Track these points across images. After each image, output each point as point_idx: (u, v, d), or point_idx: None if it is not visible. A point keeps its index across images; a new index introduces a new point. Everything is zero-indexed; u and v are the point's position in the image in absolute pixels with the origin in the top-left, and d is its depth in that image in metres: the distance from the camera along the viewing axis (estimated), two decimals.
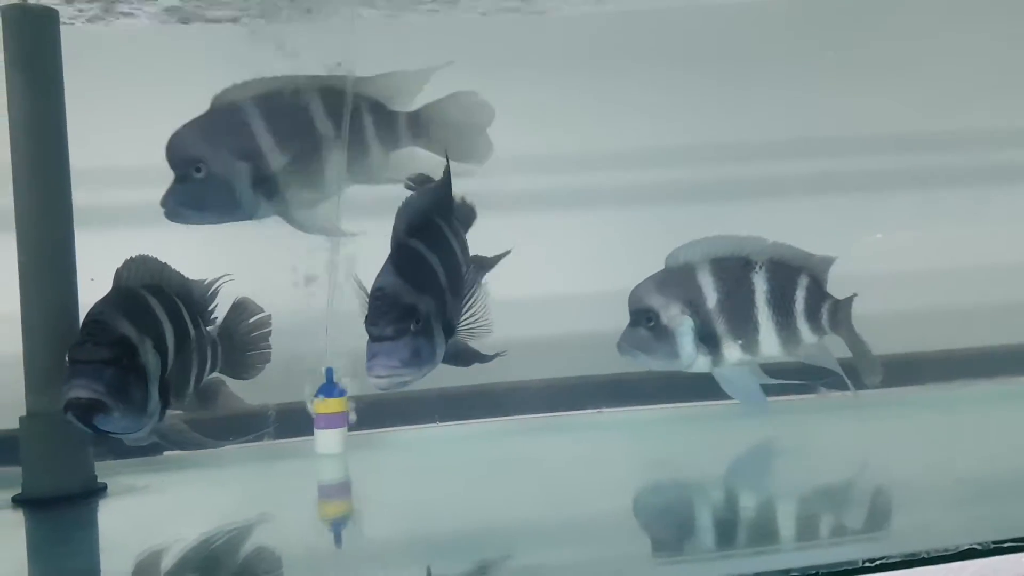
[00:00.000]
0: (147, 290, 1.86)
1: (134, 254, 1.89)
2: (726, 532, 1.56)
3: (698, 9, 2.60)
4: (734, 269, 2.13)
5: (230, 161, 1.89)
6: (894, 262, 2.61)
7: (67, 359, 1.71)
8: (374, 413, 2.24)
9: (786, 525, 1.57)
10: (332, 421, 2.18)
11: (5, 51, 1.94)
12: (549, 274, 2.40)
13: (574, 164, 2.60)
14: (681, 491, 1.89)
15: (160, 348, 1.81)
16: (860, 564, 1.18)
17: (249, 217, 1.94)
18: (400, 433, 2.34)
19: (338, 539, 1.71)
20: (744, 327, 2.12)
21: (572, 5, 2.48)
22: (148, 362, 1.77)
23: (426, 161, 2.03)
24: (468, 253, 1.95)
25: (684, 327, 2.09)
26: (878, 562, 1.16)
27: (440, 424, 2.35)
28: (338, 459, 2.17)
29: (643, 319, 2.11)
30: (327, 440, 2.19)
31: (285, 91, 1.95)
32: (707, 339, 2.10)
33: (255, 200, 1.92)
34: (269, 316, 2.05)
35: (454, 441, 2.33)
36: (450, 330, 1.76)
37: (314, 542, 1.68)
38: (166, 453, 2.13)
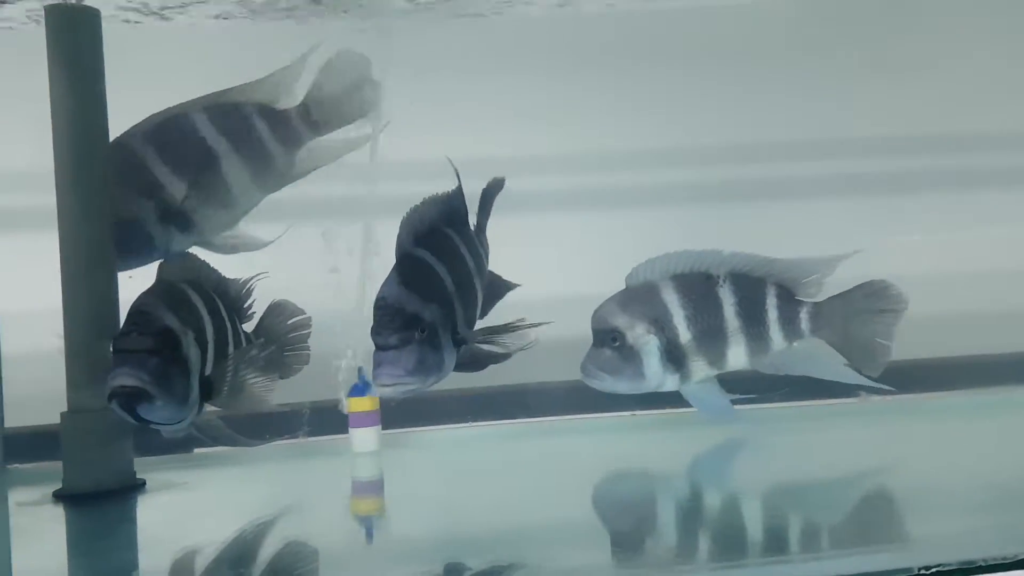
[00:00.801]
0: (188, 285, 1.88)
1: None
2: (769, 537, 1.54)
3: (723, 8, 2.58)
4: (697, 284, 2.08)
5: (134, 202, 1.89)
6: (925, 264, 2.56)
7: (111, 349, 1.73)
8: (410, 412, 2.25)
9: (827, 531, 1.55)
10: (366, 419, 2.19)
11: (48, 50, 1.96)
12: (577, 274, 2.40)
13: (604, 164, 2.59)
14: (713, 494, 1.86)
15: (200, 342, 1.83)
16: (916, 571, 1.17)
17: (167, 253, 1.94)
18: (435, 432, 2.35)
19: (370, 535, 1.71)
20: (713, 342, 2.07)
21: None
22: (190, 354, 1.79)
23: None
24: (484, 261, 1.95)
25: (650, 346, 2.03)
26: (934, 570, 1.14)
27: (474, 424, 2.35)
28: (373, 457, 2.18)
29: (608, 339, 2.04)
30: (362, 438, 2.20)
31: (172, 119, 1.94)
32: (674, 357, 2.05)
33: (168, 235, 1.93)
34: (308, 318, 2.06)
35: (488, 440, 2.34)
36: (460, 339, 1.76)
37: (346, 538, 1.68)
38: (199, 450, 2.15)
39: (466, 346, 1.80)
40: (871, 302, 2.10)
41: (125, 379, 1.69)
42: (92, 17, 1.99)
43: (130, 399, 1.69)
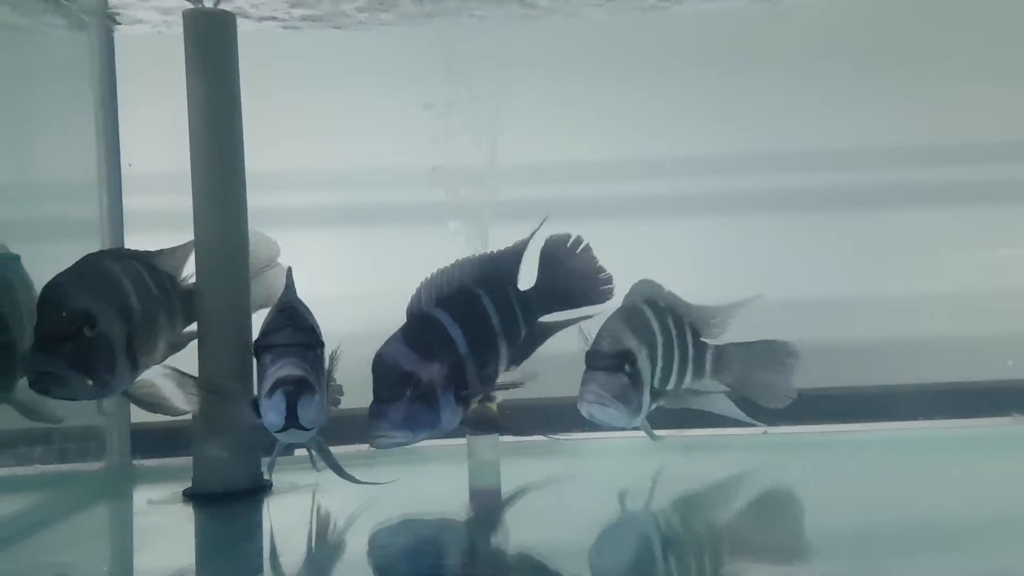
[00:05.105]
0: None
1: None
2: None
3: (812, 7, 2.50)
4: (663, 314, 1.96)
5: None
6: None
7: (263, 344, 1.70)
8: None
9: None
10: None
11: (186, 54, 1.99)
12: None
13: (695, 168, 2.56)
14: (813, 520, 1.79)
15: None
16: None
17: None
18: (553, 442, 2.32)
19: (488, 543, 1.71)
20: (666, 376, 1.94)
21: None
22: (325, 361, 1.78)
23: None
24: (519, 322, 1.94)
25: (647, 375, 1.85)
26: None
27: (592, 435, 2.32)
28: (490, 465, 2.17)
29: (622, 364, 1.81)
30: (479, 445, 2.19)
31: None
32: (654, 390, 1.90)
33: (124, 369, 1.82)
34: None
35: (612, 453, 2.30)
36: (465, 399, 1.78)
37: (466, 547, 1.69)
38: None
39: (478, 406, 1.84)
40: (772, 356, 2.03)
41: (293, 369, 1.65)
42: (228, 22, 2.02)
43: (297, 389, 1.64)
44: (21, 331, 1.80)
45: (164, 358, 1.93)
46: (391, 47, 2.42)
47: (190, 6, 2.01)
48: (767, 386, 2.03)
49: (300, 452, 1.93)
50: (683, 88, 2.54)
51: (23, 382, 1.75)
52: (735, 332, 2.04)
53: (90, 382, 1.72)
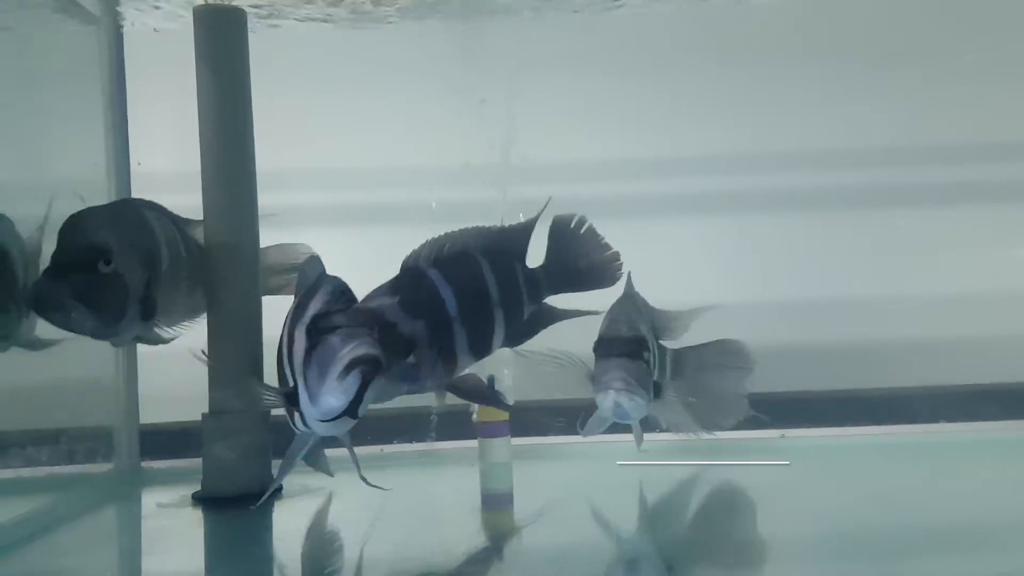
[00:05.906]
0: None
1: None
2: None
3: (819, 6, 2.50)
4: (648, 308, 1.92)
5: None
6: None
7: (321, 325, 1.58)
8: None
9: None
10: (496, 429, 2.16)
11: (195, 50, 1.98)
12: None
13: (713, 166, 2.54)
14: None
15: None
16: None
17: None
18: (565, 445, 2.29)
19: (500, 553, 1.67)
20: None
21: None
22: None
23: None
24: (523, 296, 1.89)
25: (654, 367, 1.77)
26: None
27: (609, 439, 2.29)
28: (503, 468, 2.15)
29: (640, 352, 1.70)
30: (491, 448, 2.17)
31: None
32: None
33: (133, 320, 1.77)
34: None
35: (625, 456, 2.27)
36: (450, 361, 1.75)
37: (478, 554, 1.64)
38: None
39: (470, 376, 1.82)
40: (724, 358, 1.97)
41: (368, 348, 1.53)
42: (239, 17, 2.00)
43: (372, 369, 1.53)
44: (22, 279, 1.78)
45: (181, 320, 1.90)
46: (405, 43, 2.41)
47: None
48: (720, 395, 1.98)
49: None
50: (690, 86, 2.53)
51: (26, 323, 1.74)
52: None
53: (93, 318, 1.68)
